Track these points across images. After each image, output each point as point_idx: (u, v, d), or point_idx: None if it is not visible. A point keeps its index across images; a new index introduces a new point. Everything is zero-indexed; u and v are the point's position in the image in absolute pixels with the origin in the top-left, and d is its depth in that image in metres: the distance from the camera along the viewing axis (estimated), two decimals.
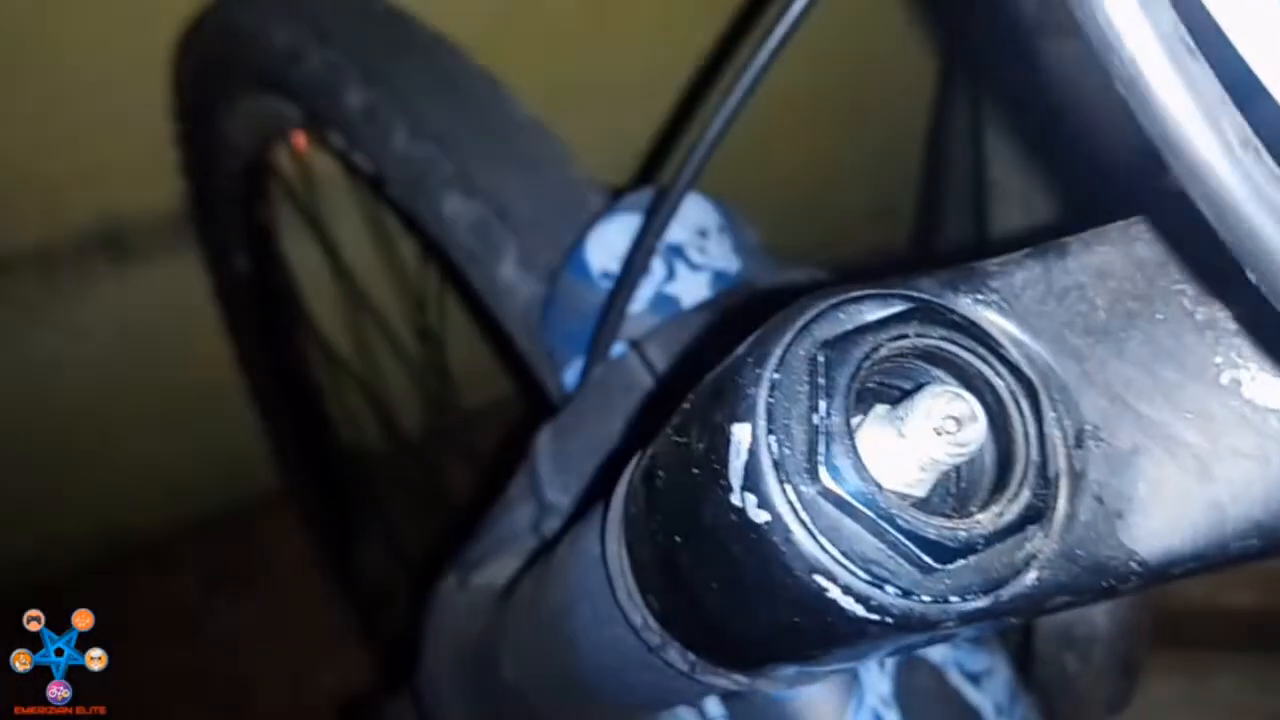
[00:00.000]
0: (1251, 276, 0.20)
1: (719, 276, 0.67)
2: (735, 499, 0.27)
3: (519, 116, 0.80)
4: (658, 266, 0.66)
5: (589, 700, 0.49)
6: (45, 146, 1.29)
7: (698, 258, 0.66)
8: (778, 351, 0.28)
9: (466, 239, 0.76)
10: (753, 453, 0.27)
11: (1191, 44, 0.19)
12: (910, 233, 1.81)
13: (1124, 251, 0.30)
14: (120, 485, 1.70)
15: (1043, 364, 0.29)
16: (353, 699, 1.47)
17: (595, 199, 0.76)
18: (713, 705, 0.60)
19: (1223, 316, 0.28)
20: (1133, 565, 0.28)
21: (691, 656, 0.35)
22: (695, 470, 0.30)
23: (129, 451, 1.66)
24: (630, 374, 0.60)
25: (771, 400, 0.27)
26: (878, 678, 0.57)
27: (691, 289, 0.66)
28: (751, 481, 0.27)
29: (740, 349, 0.29)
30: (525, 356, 0.75)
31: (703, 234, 0.67)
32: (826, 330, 0.28)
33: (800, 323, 0.28)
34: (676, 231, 0.67)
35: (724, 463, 0.28)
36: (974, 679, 0.59)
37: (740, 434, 0.27)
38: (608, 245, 0.67)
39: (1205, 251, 0.25)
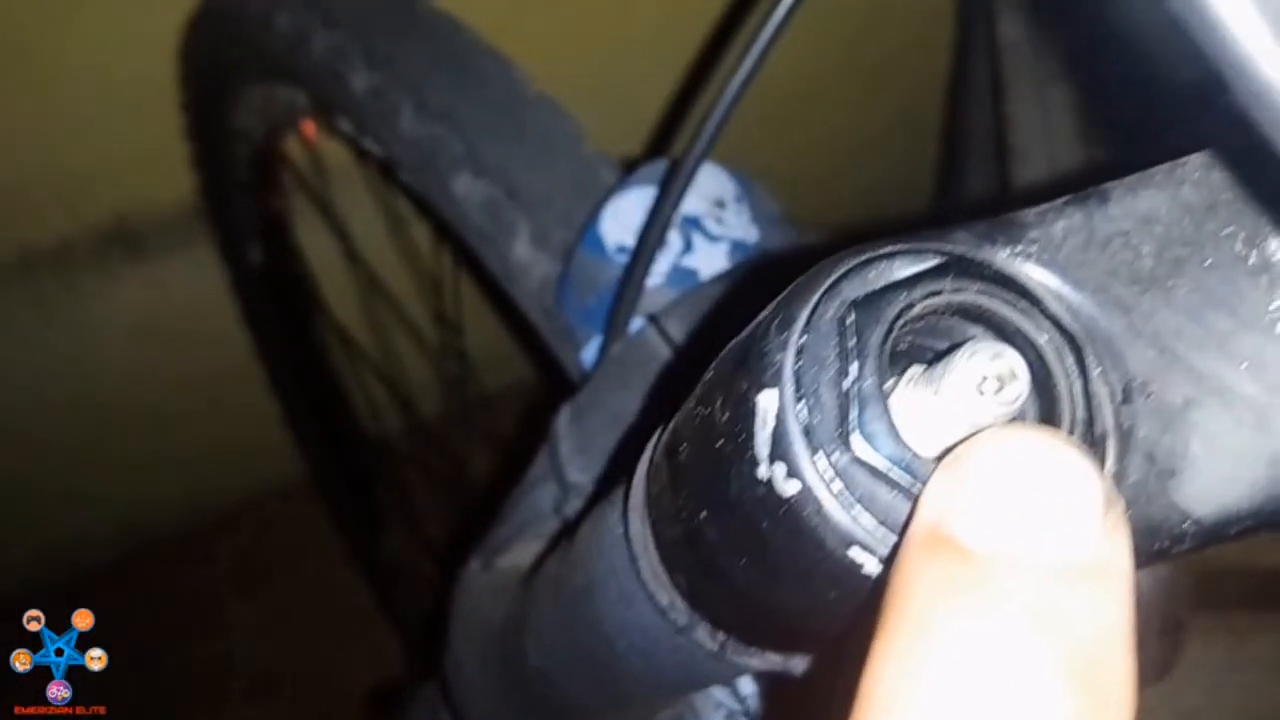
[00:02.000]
0: None
1: (737, 247, 0.65)
2: (762, 471, 0.26)
3: (528, 93, 0.78)
4: (674, 239, 0.64)
5: (617, 685, 0.48)
6: (61, 145, 1.28)
7: (715, 228, 0.65)
8: (804, 314, 0.26)
9: (478, 219, 0.74)
10: (780, 420, 0.25)
11: None
12: (931, 201, 1.78)
13: (1170, 195, 0.28)
14: (138, 481, 1.70)
15: (1087, 316, 0.27)
16: (380, 685, 1.47)
17: (608, 174, 0.74)
18: (745, 681, 0.59)
19: (1278, 260, 0.27)
20: (1187, 525, 0.26)
21: (721, 636, 0.34)
22: (720, 442, 0.28)
23: (146, 447, 1.66)
24: (649, 349, 0.59)
25: (799, 365, 0.25)
26: None
27: (710, 260, 0.64)
28: (779, 451, 0.25)
29: (764, 313, 0.28)
30: (542, 336, 0.74)
31: (720, 204, 0.66)
32: (856, 289, 0.26)
33: (827, 282, 0.26)
34: (693, 202, 0.65)
35: (750, 433, 0.26)
36: None
37: (766, 402, 0.26)
38: (622, 219, 0.66)
39: (1272, 183, 0.24)
